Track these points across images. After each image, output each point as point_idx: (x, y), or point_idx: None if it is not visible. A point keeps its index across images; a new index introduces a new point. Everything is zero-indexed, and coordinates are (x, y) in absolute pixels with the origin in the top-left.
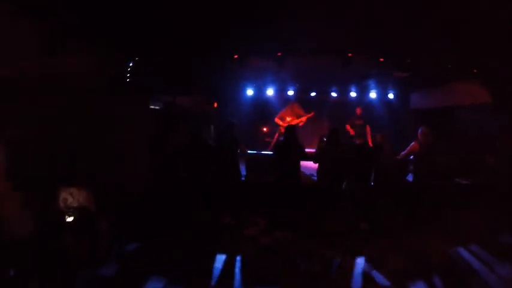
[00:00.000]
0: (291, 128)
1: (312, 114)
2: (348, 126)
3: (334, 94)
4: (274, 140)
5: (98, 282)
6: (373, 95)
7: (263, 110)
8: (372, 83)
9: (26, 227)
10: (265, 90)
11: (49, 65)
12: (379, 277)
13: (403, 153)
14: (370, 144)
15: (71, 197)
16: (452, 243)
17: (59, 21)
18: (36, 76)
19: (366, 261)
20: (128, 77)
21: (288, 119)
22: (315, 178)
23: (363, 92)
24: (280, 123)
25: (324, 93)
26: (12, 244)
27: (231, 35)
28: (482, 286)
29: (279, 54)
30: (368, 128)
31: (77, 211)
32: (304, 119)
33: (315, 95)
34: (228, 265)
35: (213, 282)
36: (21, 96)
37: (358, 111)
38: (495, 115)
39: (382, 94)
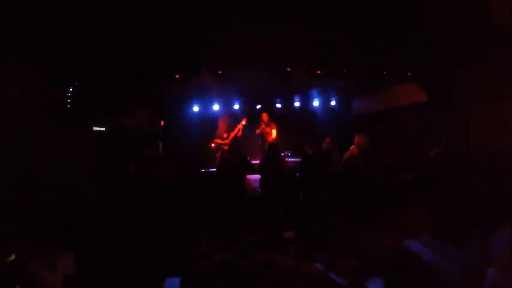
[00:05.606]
0: (235, 146)
1: (245, 120)
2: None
3: (278, 105)
4: (218, 158)
5: None
6: (316, 103)
7: (211, 125)
8: (314, 92)
9: None
10: (212, 105)
11: None
12: (336, 278)
13: (344, 157)
14: None
15: None
16: (402, 237)
17: None
18: None
19: (322, 264)
20: (69, 102)
21: (225, 135)
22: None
23: (307, 101)
24: (220, 141)
25: (269, 104)
26: None
27: (172, 54)
28: (436, 272)
29: (220, 72)
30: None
31: None
32: (240, 126)
33: (261, 107)
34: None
35: None
36: None
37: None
38: (432, 113)
39: (325, 102)
